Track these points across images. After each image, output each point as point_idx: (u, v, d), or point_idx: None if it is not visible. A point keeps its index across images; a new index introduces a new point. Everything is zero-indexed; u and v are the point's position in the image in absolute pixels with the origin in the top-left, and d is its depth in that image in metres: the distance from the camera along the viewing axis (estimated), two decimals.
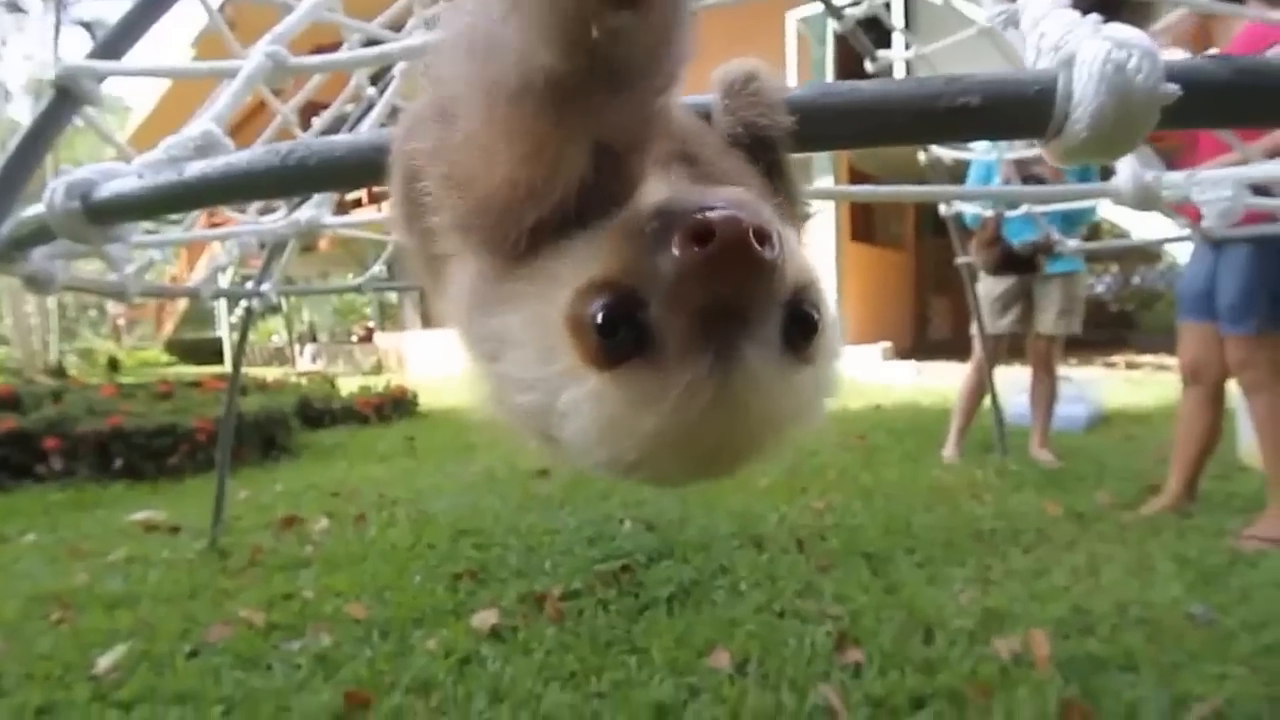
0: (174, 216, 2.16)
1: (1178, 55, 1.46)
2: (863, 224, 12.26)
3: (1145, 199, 1.52)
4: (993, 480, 4.04)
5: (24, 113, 19.47)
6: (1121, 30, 0.57)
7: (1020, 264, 3.61)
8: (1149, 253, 11.53)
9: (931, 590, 2.62)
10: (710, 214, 0.39)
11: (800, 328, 0.44)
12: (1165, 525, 3.20)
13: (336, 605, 2.70)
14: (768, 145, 0.61)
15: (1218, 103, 0.60)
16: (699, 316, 0.40)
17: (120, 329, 28.11)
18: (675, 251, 0.40)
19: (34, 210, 0.99)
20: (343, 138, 0.75)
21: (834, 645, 2.24)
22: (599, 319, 0.42)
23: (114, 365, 16.78)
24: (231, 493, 3.80)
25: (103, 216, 0.92)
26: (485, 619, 2.50)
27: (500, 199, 0.44)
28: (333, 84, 2.22)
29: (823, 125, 0.64)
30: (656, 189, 0.49)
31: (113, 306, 25.57)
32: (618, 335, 0.42)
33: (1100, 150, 0.58)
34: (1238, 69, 0.58)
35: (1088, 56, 0.56)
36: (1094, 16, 0.61)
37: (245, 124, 4.91)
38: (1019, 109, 0.60)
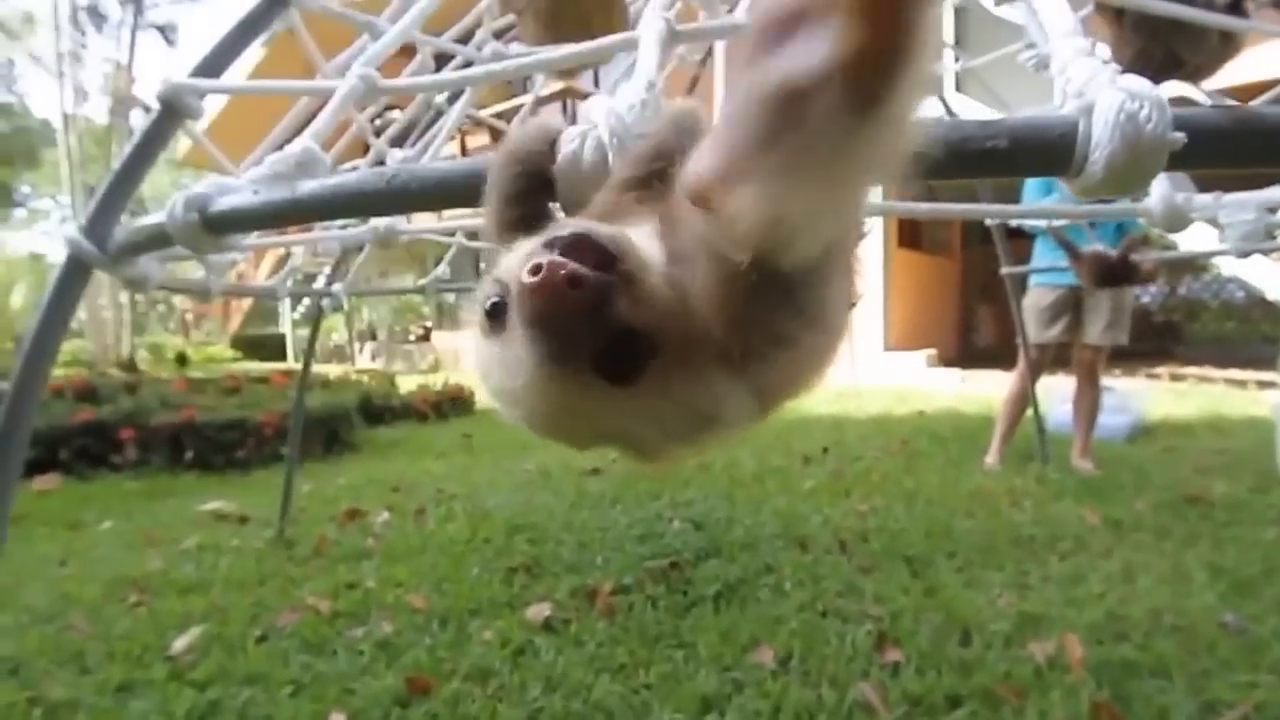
0: None
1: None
2: (910, 231, 12.14)
3: (1174, 220, 1.55)
4: (1033, 488, 4.02)
5: (101, 112, 19.97)
6: (1135, 82, 0.62)
7: (1122, 274, 3.48)
8: (1196, 263, 11.27)
9: (970, 593, 2.63)
10: (543, 257, 0.51)
11: (617, 357, 0.53)
12: (1202, 535, 3.18)
13: (397, 595, 2.78)
14: None
15: (1220, 148, 0.65)
16: (530, 321, 0.53)
17: (188, 324, 28.66)
18: (521, 274, 0.52)
19: (152, 219, 1.10)
20: (439, 164, 0.84)
21: (874, 644, 2.27)
22: (487, 304, 0.57)
23: (182, 360, 17.10)
24: (297, 486, 3.90)
25: (218, 227, 1.02)
26: (539, 611, 2.56)
27: None
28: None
29: None
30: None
31: (181, 302, 26.10)
32: (498, 317, 0.56)
33: (1115, 188, 0.64)
34: (1237, 118, 0.63)
35: (1105, 105, 0.61)
36: (1113, 66, 0.66)
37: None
38: (1043, 151, 0.66)
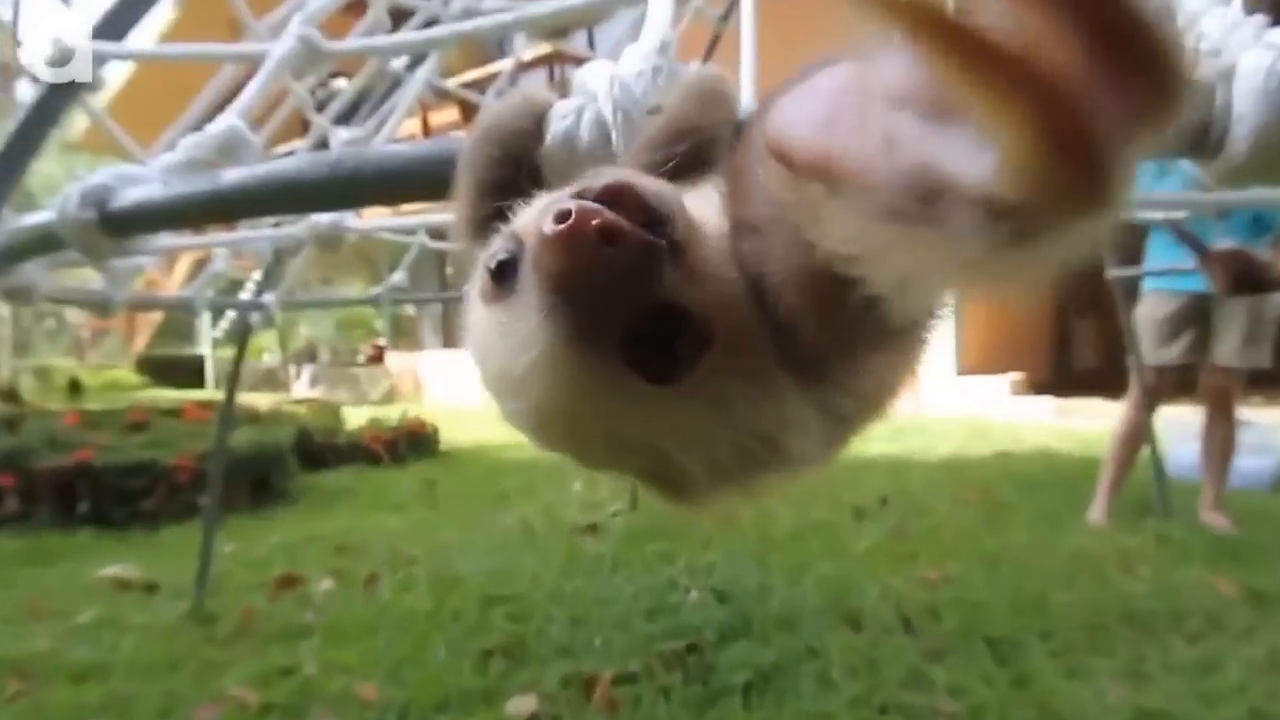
0: None
1: None
2: None
3: None
4: (1150, 550, 3.99)
5: None
6: None
7: (1263, 278, 3.39)
8: None
9: (1071, 685, 2.61)
10: (574, 202, 0.48)
11: (658, 342, 0.50)
12: None
13: (344, 684, 2.76)
14: None
15: None
16: (549, 284, 0.50)
17: (83, 344, 28.69)
18: (543, 223, 0.49)
19: (39, 218, 1.06)
20: (397, 147, 0.81)
21: None
22: (494, 262, 0.55)
23: (75, 388, 17.08)
24: (218, 546, 3.89)
25: (121, 227, 0.99)
26: (522, 705, 2.55)
27: None
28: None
29: None
30: None
31: (74, 317, 26.15)
32: (506, 279, 0.54)
33: (1265, 172, 0.61)
34: None
35: (1249, 67, 0.59)
36: (1259, 18, 0.64)
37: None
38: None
